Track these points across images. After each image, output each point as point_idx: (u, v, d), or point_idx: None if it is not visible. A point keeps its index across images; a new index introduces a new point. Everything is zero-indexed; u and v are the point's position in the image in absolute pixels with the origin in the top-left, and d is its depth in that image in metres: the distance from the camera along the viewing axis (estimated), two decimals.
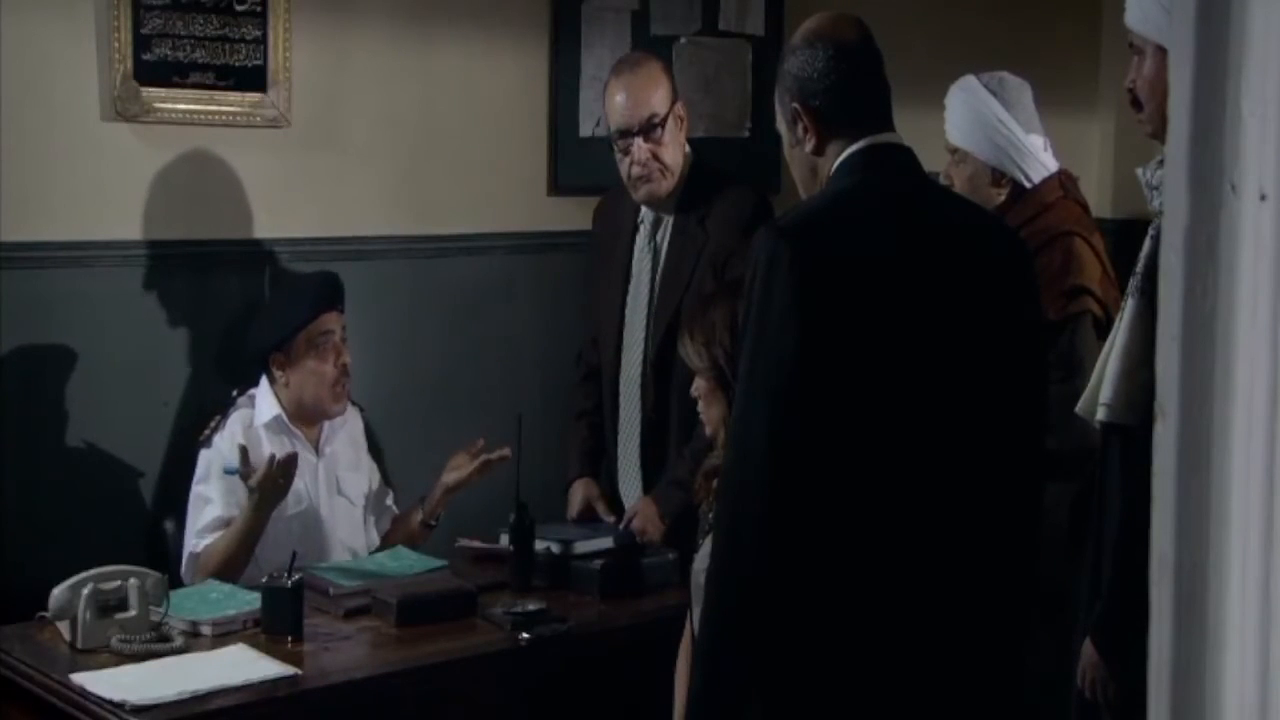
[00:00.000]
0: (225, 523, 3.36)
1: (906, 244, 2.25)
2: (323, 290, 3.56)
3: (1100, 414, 2.39)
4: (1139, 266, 2.37)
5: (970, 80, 3.34)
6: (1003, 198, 3.28)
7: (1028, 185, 3.28)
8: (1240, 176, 0.89)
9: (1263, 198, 0.89)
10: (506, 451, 3.52)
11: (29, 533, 3.45)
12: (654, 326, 3.62)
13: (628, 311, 3.69)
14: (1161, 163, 2.25)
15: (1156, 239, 2.28)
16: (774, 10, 4.69)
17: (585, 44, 4.36)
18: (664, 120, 3.54)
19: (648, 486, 3.61)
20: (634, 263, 3.70)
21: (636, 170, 3.54)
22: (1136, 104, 2.34)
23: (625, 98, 3.55)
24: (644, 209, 3.66)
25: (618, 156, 3.59)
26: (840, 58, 2.28)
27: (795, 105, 2.29)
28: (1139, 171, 2.35)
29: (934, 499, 2.19)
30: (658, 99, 3.55)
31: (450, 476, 3.59)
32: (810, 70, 2.27)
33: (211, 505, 3.40)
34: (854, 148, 2.26)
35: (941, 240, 2.28)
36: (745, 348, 2.19)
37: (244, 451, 3.30)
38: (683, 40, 4.53)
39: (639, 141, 3.52)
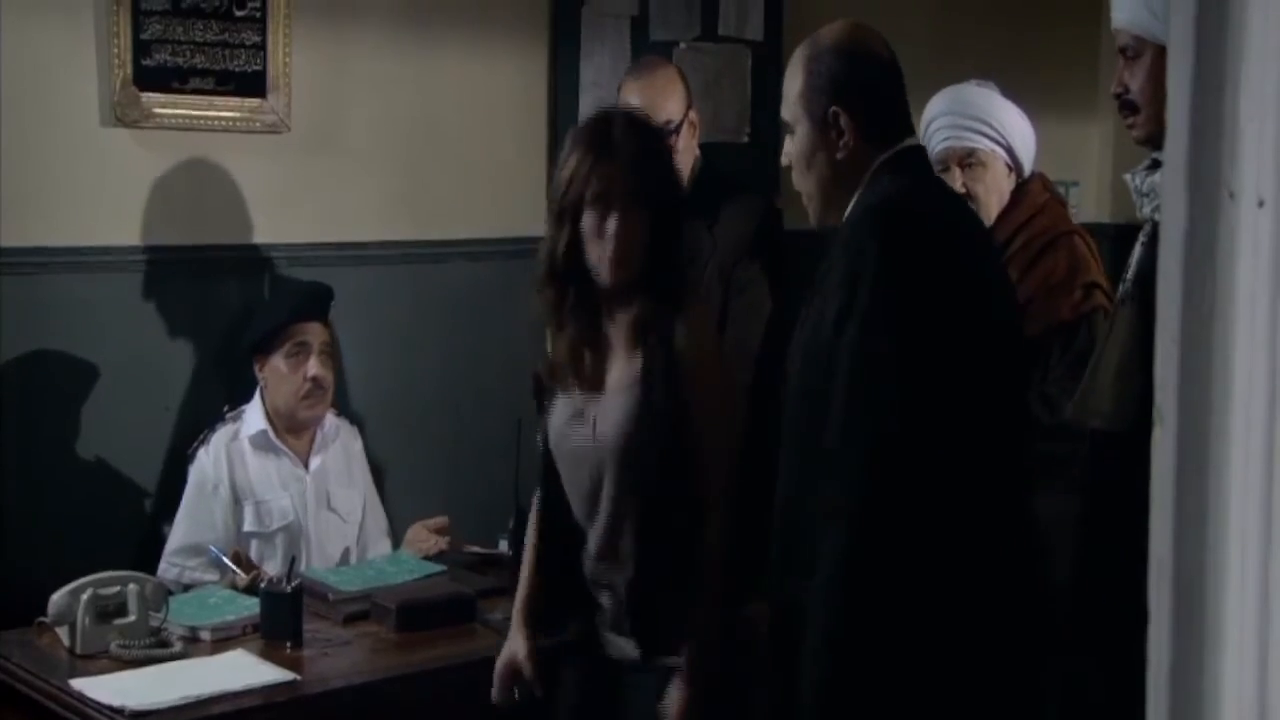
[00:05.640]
0: (195, 549, 3.39)
1: (973, 241, 2.35)
2: (305, 299, 3.58)
3: (1092, 421, 2.38)
4: (1129, 273, 2.36)
5: (977, 85, 3.32)
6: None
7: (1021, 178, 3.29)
8: (1238, 183, 0.90)
9: (1260, 204, 0.89)
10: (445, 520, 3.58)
11: (28, 538, 3.45)
12: None
13: None
14: (1150, 168, 2.23)
15: (1147, 245, 2.27)
16: (773, 16, 4.69)
17: (585, 49, 4.36)
18: (679, 126, 3.51)
19: None
20: None
21: None
22: (1126, 107, 2.31)
23: (644, 101, 3.49)
24: None
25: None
26: (882, 69, 2.34)
27: (835, 109, 2.31)
28: (1128, 177, 2.33)
29: (990, 507, 2.23)
30: (674, 105, 3.51)
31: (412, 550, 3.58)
32: (855, 77, 2.31)
33: (182, 528, 3.44)
34: (895, 149, 2.32)
35: (984, 237, 2.35)
36: (851, 345, 2.16)
37: (237, 556, 3.34)
38: (682, 46, 4.53)
39: None
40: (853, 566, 2.11)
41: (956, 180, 3.22)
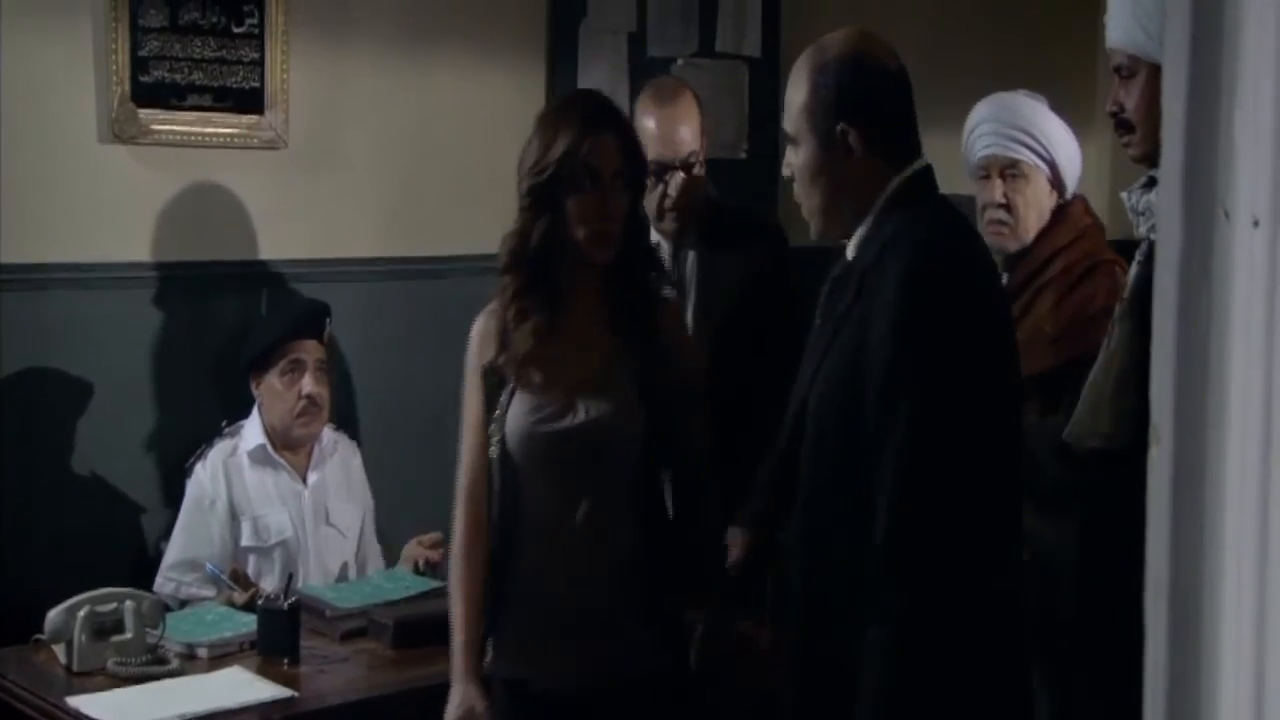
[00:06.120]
0: (192, 564, 3.38)
1: (997, 284, 2.39)
2: (300, 316, 3.58)
3: (1090, 441, 2.37)
4: (1126, 291, 2.35)
5: (1026, 95, 3.21)
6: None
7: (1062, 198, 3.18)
8: (1233, 202, 0.90)
9: (1255, 224, 0.89)
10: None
11: (25, 554, 3.44)
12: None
13: None
14: (1145, 186, 2.23)
15: (1143, 263, 2.26)
16: (770, 32, 4.71)
17: (582, 65, 4.37)
18: (700, 155, 3.37)
19: None
20: None
21: (669, 203, 3.34)
22: (1121, 126, 2.29)
23: (666, 131, 3.34)
24: (656, 239, 3.38)
25: (647, 183, 3.28)
26: (892, 82, 2.27)
27: (843, 126, 2.22)
28: (1123, 195, 2.32)
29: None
30: (695, 136, 3.37)
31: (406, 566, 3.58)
32: (864, 92, 2.24)
33: (179, 542, 3.44)
34: (911, 170, 2.26)
35: (997, 274, 2.42)
36: (921, 400, 2.09)
37: (235, 573, 3.34)
38: (679, 62, 4.54)
39: (680, 175, 3.33)
40: (915, 625, 2.08)
41: (997, 190, 3.11)
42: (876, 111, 2.25)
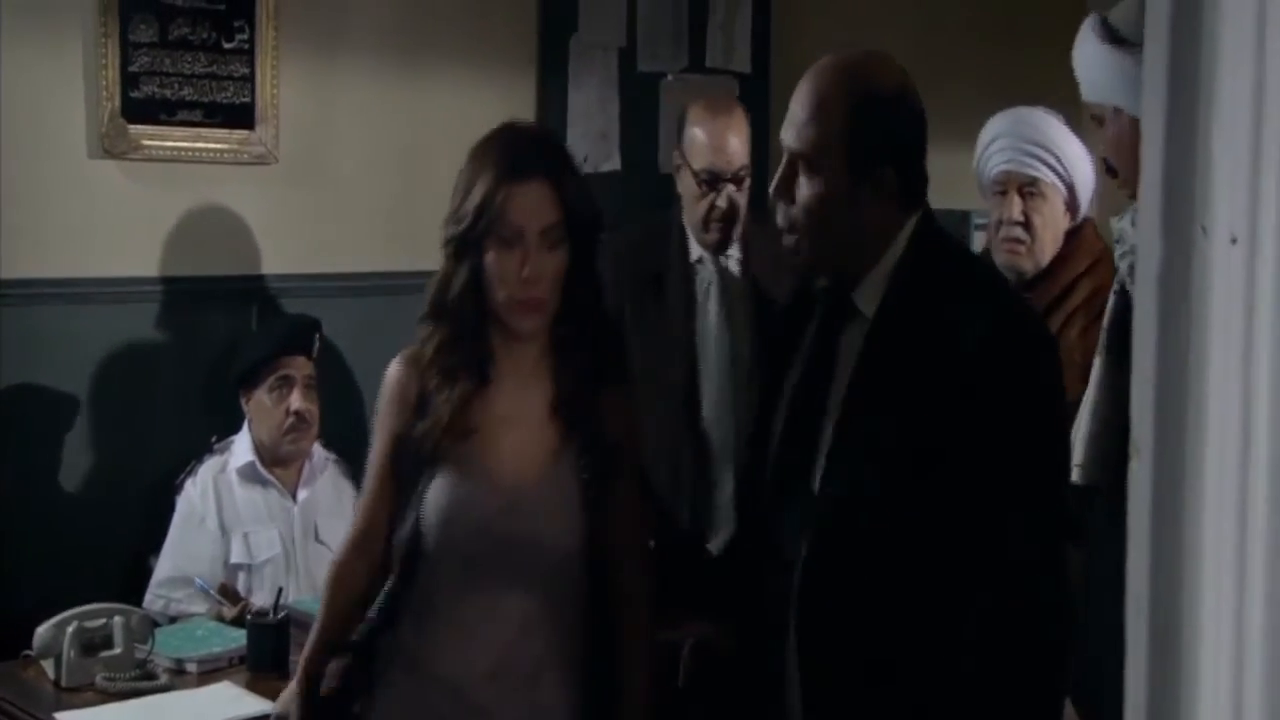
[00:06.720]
0: (182, 581, 3.38)
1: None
2: (289, 332, 3.58)
3: (1073, 475, 2.35)
4: (1105, 323, 2.33)
5: (1044, 112, 3.14)
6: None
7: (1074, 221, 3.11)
8: (1211, 219, 0.91)
9: (1233, 241, 0.90)
10: None
11: (15, 570, 3.44)
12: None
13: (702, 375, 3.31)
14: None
15: (1119, 294, 2.25)
16: (760, 47, 4.72)
17: (573, 80, 4.38)
18: (748, 171, 3.35)
19: None
20: (700, 320, 3.36)
21: (717, 214, 3.31)
22: (1111, 171, 2.26)
23: (719, 142, 3.30)
24: (700, 253, 3.41)
25: (695, 192, 3.33)
26: (924, 122, 2.15)
27: (883, 168, 2.07)
28: (1113, 221, 2.31)
29: None
30: (745, 148, 3.34)
31: None
32: (909, 137, 2.12)
33: (169, 559, 3.44)
34: (923, 209, 2.15)
35: None
36: (1016, 456, 2.02)
37: (224, 588, 3.34)
38: (669, 77, 4.56)
39: (731, 188, 3.31)
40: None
41: (1015, 207, 3.02)
42: (915, 155, 2.12)
